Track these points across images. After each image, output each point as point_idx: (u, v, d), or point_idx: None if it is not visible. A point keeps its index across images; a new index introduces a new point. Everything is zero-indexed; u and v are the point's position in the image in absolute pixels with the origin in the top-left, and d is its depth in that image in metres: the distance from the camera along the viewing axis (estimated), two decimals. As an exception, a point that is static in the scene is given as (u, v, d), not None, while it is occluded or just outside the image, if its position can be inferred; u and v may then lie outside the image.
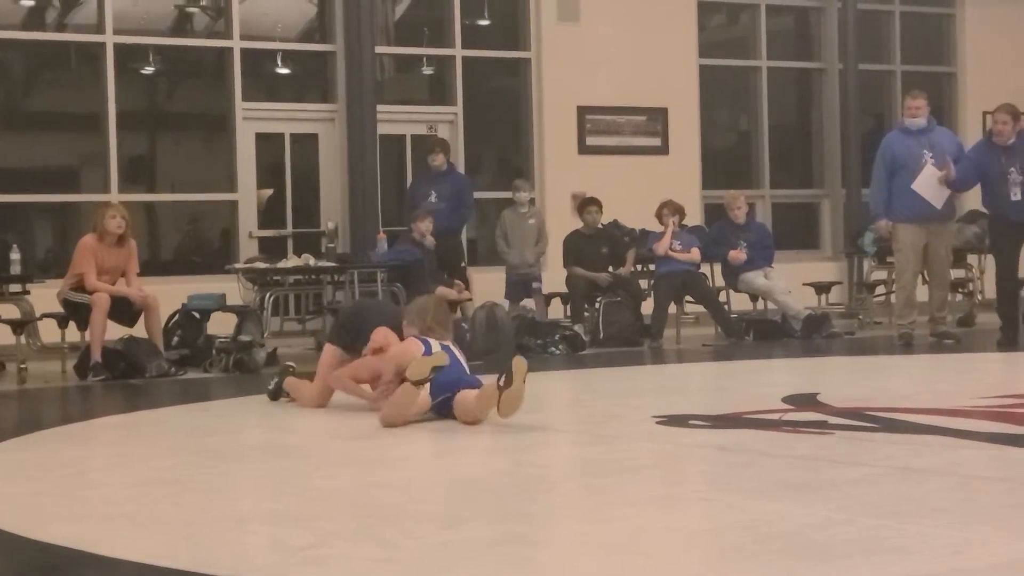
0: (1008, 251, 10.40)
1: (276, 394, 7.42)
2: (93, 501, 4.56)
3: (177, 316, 10.75)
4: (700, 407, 6.65)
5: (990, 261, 13.28)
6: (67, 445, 6.22)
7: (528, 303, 11.81)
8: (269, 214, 13.14)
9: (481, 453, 5.55)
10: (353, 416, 6.54)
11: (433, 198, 11.73)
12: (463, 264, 12.02)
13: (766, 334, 11.55)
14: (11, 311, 10.05)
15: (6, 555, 3.69)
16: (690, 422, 6.11)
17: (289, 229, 13.14)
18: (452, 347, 6.39)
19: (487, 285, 11.62)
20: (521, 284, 11.91)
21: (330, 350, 7.10)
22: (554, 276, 12.17)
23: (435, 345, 6.26)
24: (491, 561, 3.44)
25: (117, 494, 4.63)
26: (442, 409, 6.11)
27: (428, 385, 5.98)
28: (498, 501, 4.38)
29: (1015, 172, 10.07)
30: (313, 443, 5.84)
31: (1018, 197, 10.06)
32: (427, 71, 14.19)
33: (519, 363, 5.88)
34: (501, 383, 5.81)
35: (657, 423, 6.06)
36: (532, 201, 12.65)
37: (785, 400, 6.75)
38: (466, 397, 6.03)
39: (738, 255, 11.84)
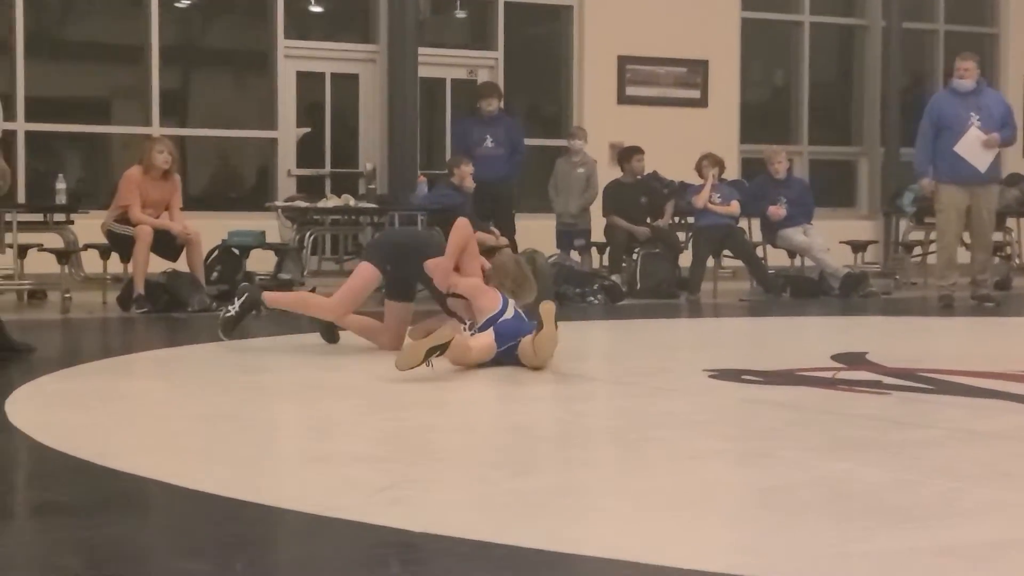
0: None
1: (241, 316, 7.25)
2: (160, 433, 4.58)
3: (216, 252, 10.79)
4: (750, 362, 6.65)
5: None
6: (122, 377, 6.26)
7: (574, 255, 11.81)
8: (307, 153, 13.13)
9: (539, 401, 5.57)
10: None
11: (489, 143, 11.66)
12: (513, 212, 11.96)
13: (803, 291, 11.54)
14: (55, 240, 10.10)
15: (87, 484, 3.72)
16: (743, 377, 6.11)
17: (327, 169, 13.13)
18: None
19: (534, 233, 11.59)
20: (567, 234, 11.89)
21: (369, 270, 6.88)
22: (596, 226, 12.15)
23: (511, 303, 6.34)
24: (566, 510, 3.45)
25: (183, 427, 4.66)
26: (506, 358, 6.15)
27: (492, 332, 6.05)
28: (563, 450, 4.40)
29: None
30: (368, 384, 5.85)
31: None
32: (461, 15, 14.09)
33: (546, 307, 5.97)
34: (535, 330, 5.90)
35: (709, 377, 6.06)
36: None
37: (834, 358, 6.74)
38: (526, 343, 6.10)
39: (778, 211, 11.81)
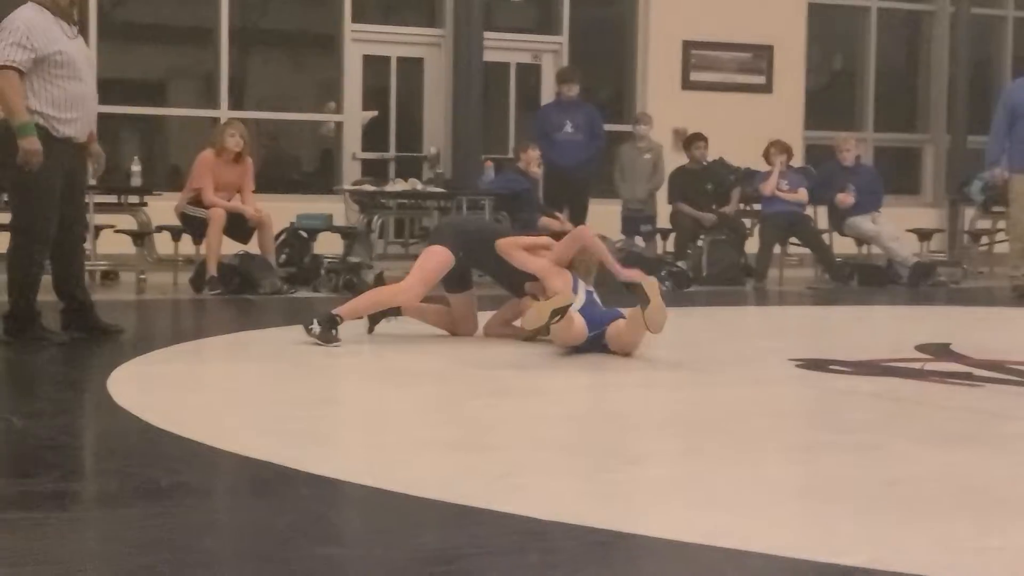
0: None
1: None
2: (268, 416, 4.61)
3: (285, 235, 10.83)
4: (835, 352, 6.62)
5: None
6: (213, 358, 6.31)
7: (639, 240, 11.77)
8: (371, 137, 13.16)
9: (630, 388, 5.56)
10: (480, 344, 6.58)
11: (569, 128, 11.62)
12: (587, 197, 11.90)
13: (871, 279, 11.48)
14: (129, 222, 10.17)
15: (210, 467, 3.75)
16: (830, 367, 6.08)
17: (392, 152, 13.16)
18: (593, 291, 6.43)
19: (599, 218, 11.56)
20: (633, 220, 11.86)
21: (443, 253, 6.71)
22: (660, 212, 12.12)
23: (581, 286, 6.33)
24: (691, 501, 3.45)
25: (288, 412, 4.68)
26: (593, 346, 6.15)
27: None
28: (671, 439, 4.40)
29: None
30: (457, 370, 5.86)
31: None
32: (525, -1, 14.08)
33: (649, 282, 5.96)
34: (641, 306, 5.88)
35: (796, 366, 6.04)
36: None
37: (919, 348, 6.71)
38: (618, 328, 6.09)
39: (846, 198, 11.74)
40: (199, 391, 5.19)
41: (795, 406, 5.07)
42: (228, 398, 5.07)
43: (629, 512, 3.28)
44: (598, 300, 6.40)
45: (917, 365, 6.10)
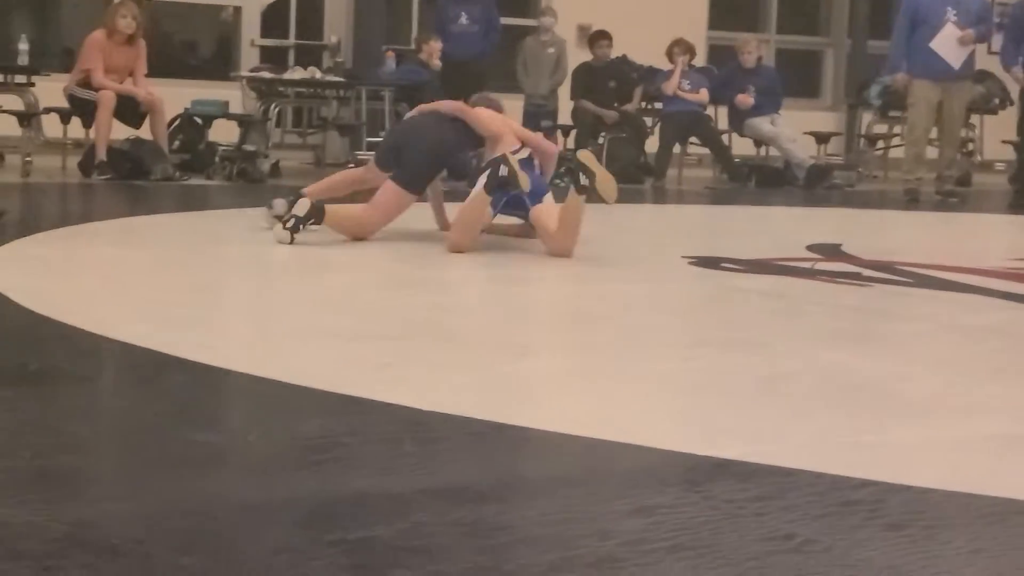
0: None
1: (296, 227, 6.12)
2: (153, 303, 4.51)
3: (179, 120, 10.63)
4: (727, 250, 6.64)
5: (990, 122, 13.34)
6: (98, 243, 6.16)
7: (539, 136, 11.68)
8: (271, 23, 12.88)
9: (532, 283, 5.54)
10: (388, 239, 6.50)
11: (464, 20, 11.45)
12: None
13: (769, 180, 11.56)
14: (15, 103, 9.88)
15: (88, 353, 3.66)
16: (722, 265, 6.11)
17: (292, 40, 12.90)
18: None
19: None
20: (535, 115, 11.78)
21: (393, 189, 6.20)
22: (562, 108, 12.05)
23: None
24: (572, 392, 3.45)
25: (174, 298, 4.58)
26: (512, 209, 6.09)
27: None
28: (562, 332, 4.39)
29: None
30: (353, 260, 5.79)
31: None
32: None
33: (584, 154, 5.86)
34: (583, 183, 5.73)
35: (689, 264, 6.06)
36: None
37: (810, 248, 6.76)
38: (548, 216, 5.98)
39: (746, 99, 11.76)
40: (79, 275, 5.08)
41: (685, 303, 5.08)
42: (109, 283, 4.96)
43: (509, 404, 3.26)
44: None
45: (808, 264, 6.15)
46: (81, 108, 9.68)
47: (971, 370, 3.89)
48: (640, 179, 11.40)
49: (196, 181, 9.78)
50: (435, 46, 10.94)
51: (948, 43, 10.18)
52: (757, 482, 2.67)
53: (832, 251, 6.76)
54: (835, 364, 3.90)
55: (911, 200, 10.34)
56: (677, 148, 11.73)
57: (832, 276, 5.80)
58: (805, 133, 12.86)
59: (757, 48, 12.17)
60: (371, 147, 10.79)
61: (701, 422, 3.15)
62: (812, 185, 11.42)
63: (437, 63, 11.09)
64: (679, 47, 11.70)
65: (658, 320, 4.63)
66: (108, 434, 2.93)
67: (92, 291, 4.74)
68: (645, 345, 4.17)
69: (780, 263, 6.20)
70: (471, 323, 4.50)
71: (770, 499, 2.57)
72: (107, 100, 9.45)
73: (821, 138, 13.11)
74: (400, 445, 2.88)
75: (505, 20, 12.74)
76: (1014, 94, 11.71)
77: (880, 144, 13.30)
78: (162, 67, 12.23)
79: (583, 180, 5.69)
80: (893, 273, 6.00)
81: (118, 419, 3.04)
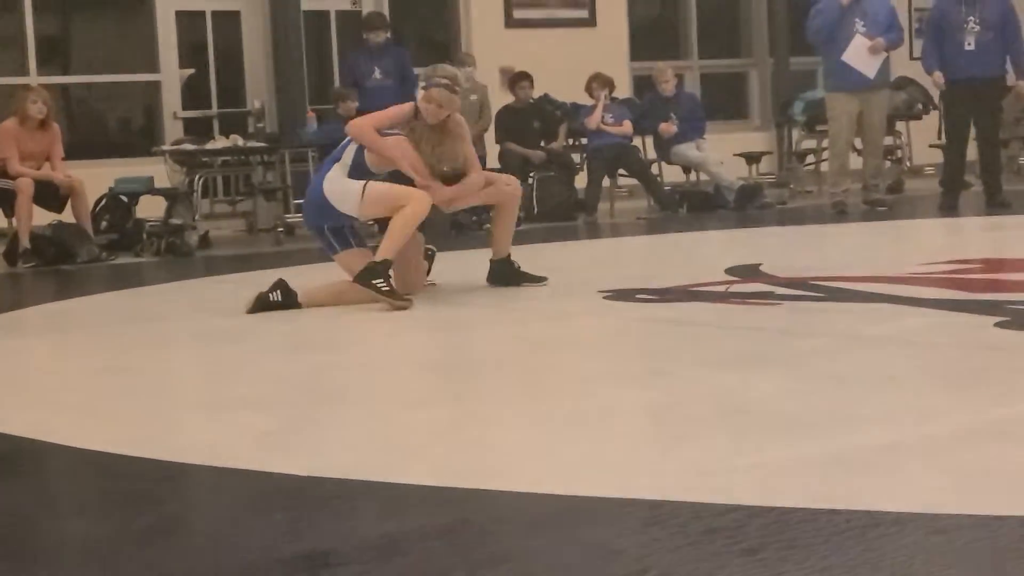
0: (959, 114, 10.33)
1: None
2: (44, 390, 4.47)
3: (104, 200, 10.59)
4: (644, 281, 6.64)
5: (916, 127, 13.45)
6: (6, 334, 6.10)
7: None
8: (193, 95, 12.87)
9: (429, 331, 5.51)
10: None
11: (378, 75, 11.45)
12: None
13: (700, 206, 11.59)
14: (-68, 197, 9.81)
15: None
16: (636, 296, 6.10)
17: (214, 109, 12.89)
18: None
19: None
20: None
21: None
22: (490, 152, 12.05)
23: None
24: (458, 442, 3.43)
25: (68, 383, 4.55)
26: None
27: None
28: (453, 381, 4.36)
29: (972, 22, 10.07)
30: (257, 327, 5.75)
31: (972, 47, 10.06)
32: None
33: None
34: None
35: (604, 298, 6.05)
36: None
37: (728, 271, 6.77)
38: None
39: (669, 127, 11.81)
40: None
41: (590, 338, 5.07)
42: (8, 372, 4.90)
43: (390, 461, 3.23)
44: None
45: (722, 288, 6.15)
46: (0, 198, 9.62)
47: (861, 381, 3.89)
48: (573, 216, 11.42)
49: (124, 259, 9.73)
50: (351, 105, 10.94)
51: (859, 53, 10.24)
52: (623, 518, 2.66)
53: (750, 272, 6.77)
54: (728, 387, 3.89)
55: (839, 212, 10.39)
56: (606, 182, 11.75)
57: (744, 298, 5.81)
58: (736, 155, 12.92)
59: (674, 76, 12.23)
60: (299, 209, 10.80)
61: (584, 461, 3.13)
62: (743, 206, 11.46)
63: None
64: (597, 81, 11.75)
65: (557, 359, 4.62)
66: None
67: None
68: (541, 385, 4.15)
69: (695, 289, 6.20)
70: (368, 379, 4.47)
71: (631, 535, 2.56)
72: (25, 187, 9.40)
73: (752, 158, 13.16)
74: (269, 515, 2.84)
75: (421, 70, 12.76)
76: (937, 98, 11.80)
77: (810, 159, 13.37)
78: (83, 148, 12.24)
79: None
80: (807, 289, 6.02)
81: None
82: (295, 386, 4.33)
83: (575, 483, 2.90)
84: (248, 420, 3.74)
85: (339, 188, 6.17)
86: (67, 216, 9.76)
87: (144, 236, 10.21)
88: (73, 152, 10.47)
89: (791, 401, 3.64)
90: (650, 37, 14.95)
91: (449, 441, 3.44)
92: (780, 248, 8.41)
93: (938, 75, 10.26)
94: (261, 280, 6.34)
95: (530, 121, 11.92)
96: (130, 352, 5.22)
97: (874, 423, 3.34)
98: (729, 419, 3.47)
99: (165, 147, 11.39)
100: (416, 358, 4.94)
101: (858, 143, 11.00)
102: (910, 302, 5.39)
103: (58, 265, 9.28)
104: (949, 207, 10.30)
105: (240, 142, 11.04)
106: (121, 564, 2.53)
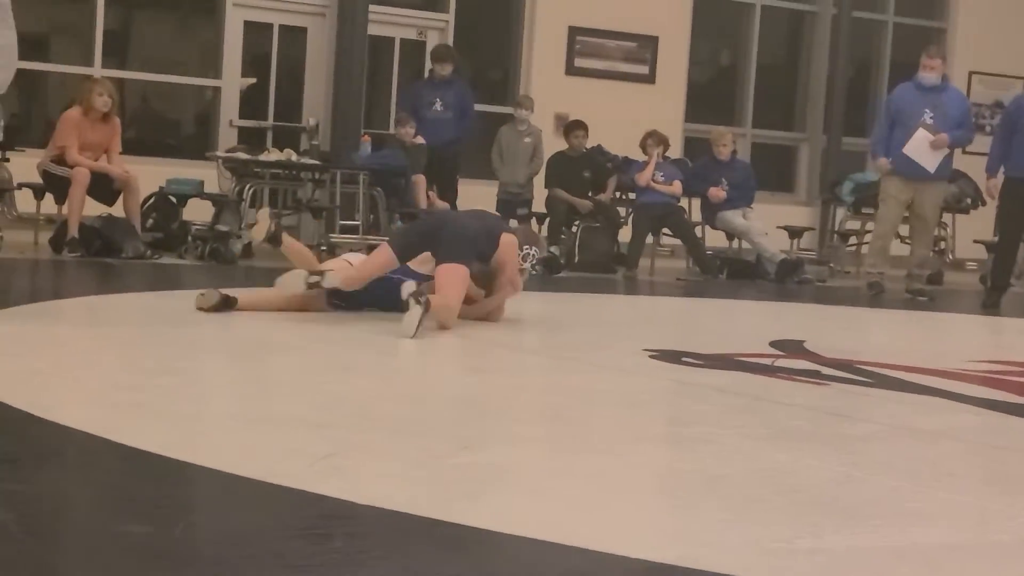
0: (1015, 212, 10.18)
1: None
2: (99, 386, 4.48)
3: (153, 199, 10.65)
4: (689, 344, 6.64)
5: (961, 220, 13.42)
6: (55, 322, 6.12)
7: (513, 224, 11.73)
8: (250, 105, 12.95)
9: (481, 373, 5.52)
10: (339, 321, 6.48)
11: (439, 106, 11.55)
12: (457, 176, 11.86)
13: (740, 274, 11.60)
14: (-12, 178, 9.90)
15: (20, 435, 3.62)
16: (683, 359, 6.10)
17: (270, 121, 12.96)
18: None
19: (474, 199, 11.51)
20: (510, 203, 11.82)
21: (386, 252, 6.56)
22: (537, 196, 12.10)
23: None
24: (511, 488, 3.42)
25: (122, 380, 4.55)
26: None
27: None
28: (508, 425, 4.36)
29: None
30: (309, 345, 5.77)
31: None
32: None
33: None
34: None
35: (650, 357, 6.04)
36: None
37: (773, 345, 6.76)
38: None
39: (718, 192, 11.84)
40: (31, 356, 5.03)
41: (639, 397, 5.06)
42: (62, 364, 4.92)
43: (445, 500, 3.22)
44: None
45: (768, 361, 6.14)
46: (55, 185, 9.69)
47: (917, 475, 3.87)
48: (612, 269, 11.44)
49: (168, 260, 9.77)
50: (409, 131, 11.02)
51: (920, 147, 10.24)
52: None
53: (795, 348, 6.75)
54: (781, 464, 3.87)
55: (875, 293, 10.37)
56: (650, 239, 11.78)
57: (791, 374, 5.79)
58: (779, 227, 12.93)
59: (732, 142, 12.27)
60: (344, 230, 10.85)
61: (636, 523, 3.12)
62: (783, 279, 11.46)
63: (416, 141, 11.16)
64: (653, 139, 11.79)
65: (607, 414, 4.60)
66: (28, 521, 2.87)
67: (39, 372, 4.69)
68: (591, 440, 4.13)
69: (741, 359, 6.19)
70: (418, 413, 4.47)
71: (694, 606, 2.54)
72: (81, 177, 9.46)
73: (794, 232, 13.18)
74: (329, 540, 2.83)
75: (481, 107, 12.85)
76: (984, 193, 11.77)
77: (852, 240, 13.37)
78: (136, 144, 12.31)
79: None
80: (853, 372, 5.99)
81: (42, 506, 2.98)
82: (344, 410, 4.33)
83: (633, 545, 2.88)
84: (300, 439, 3.74)
85: None
86: (117, 210, 9.82)
87: (189, 238, 10.26)
88: (126, 147, 10.54)
89: (846, 487, 3.61)
90: (706, 100, 14.99)
91: (503, 487, 3.42)
92: (823, 327, 8.39)
93: (994, 181, 10.15)
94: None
95: (581, 170, 11.96)
96: (183, 355, 5.23)
97: (935, 520, 3.32)
98: (785, 498, 3.45)
99: (219, 153, 11.46)
100: (472, 397, 4.92)
101: (902, 230, 10.98)
102: (962, 399, 5.37)
103: (102, 257, 9.32)
104: (992, 305, 10.26)
105: (294, 157, 11.10)
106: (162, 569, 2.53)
